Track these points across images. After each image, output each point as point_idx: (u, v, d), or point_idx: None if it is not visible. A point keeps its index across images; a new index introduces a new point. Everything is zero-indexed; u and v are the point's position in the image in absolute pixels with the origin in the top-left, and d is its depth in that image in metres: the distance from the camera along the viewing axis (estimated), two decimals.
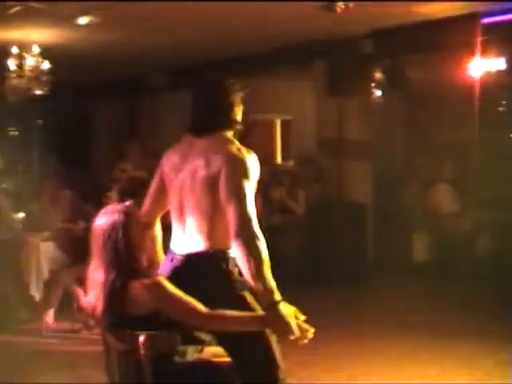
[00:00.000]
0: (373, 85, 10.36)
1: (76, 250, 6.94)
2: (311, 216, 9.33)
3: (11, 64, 8.35)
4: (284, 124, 14.20)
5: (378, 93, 10.95)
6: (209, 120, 3.41)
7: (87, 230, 6.93)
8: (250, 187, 3.19)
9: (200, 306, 3.05)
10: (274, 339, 3.29)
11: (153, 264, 3.46)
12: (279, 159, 13.56)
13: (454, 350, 6.05)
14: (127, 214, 3.14)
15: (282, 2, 7.05)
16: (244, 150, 3.33)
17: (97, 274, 3.15)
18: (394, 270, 9.60)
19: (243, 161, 3.23)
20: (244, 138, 10.62)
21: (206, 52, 10.02)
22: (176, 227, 3.41)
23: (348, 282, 8.55)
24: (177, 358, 3.22)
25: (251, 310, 3.27)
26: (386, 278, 9.34)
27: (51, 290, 7.18)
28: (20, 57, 8.35)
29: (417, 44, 8.66)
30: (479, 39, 7.87)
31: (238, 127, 3.49)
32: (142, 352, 3.01)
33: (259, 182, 8.93)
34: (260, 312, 3.21)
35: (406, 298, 8.29)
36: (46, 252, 7.08)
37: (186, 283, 3.10)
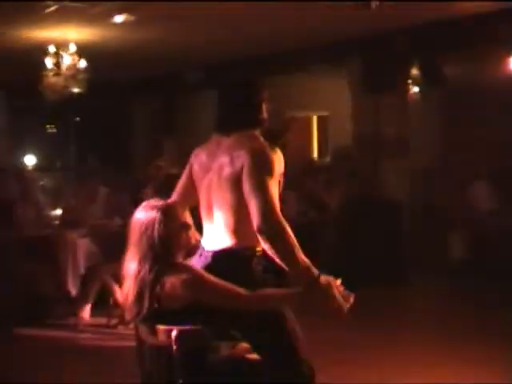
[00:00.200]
0: (409, 81, 10.31)
1: (112, 247, 6.98)
2: (347, 213, 9.28)
3: (48, 63, 8.44)
4: (321, 120, 14.20)
5: (415, 89, 10.90)
6: (235, 119, 3.41)
7: (123, 226, 7.03)
8: (273, 182, 3.17)
9: (239, 289, 3.09)
10: (297, 333, 3.30)
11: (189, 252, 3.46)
12: (316, 155, 13.56)
13: (490, 352, 5.91)
14: (165, 212, 3.17)
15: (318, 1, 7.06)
16: (268, 145, 3.33)
17: (130, 264, 3.18)
18: (431, 269, 9.52)
19: (265, 156, 3.23)
20: (282, 135, 10.63)
21: (243, 49, 10.04)
22: (205, 224, 3.44)
23: (384, 281, 8.47)
24: (210, 354, 3.24)
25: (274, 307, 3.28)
26: (423, 276, 9.25)
27: (88, 286, 7.25)
28: (57, 55, 8.44)
29: (454, 40, 8.59)
30: None
31: (265, 125, 3.48)
32: (174, 347, 3.03)
33: (295, 179, 8.89)
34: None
35: (442, 297, 8.21)
36: (82, 248, 7.14)
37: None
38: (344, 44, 9.38)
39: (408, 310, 7.81)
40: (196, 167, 3.49)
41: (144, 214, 3.18)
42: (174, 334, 3.02)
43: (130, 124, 14.35)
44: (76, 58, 8.50)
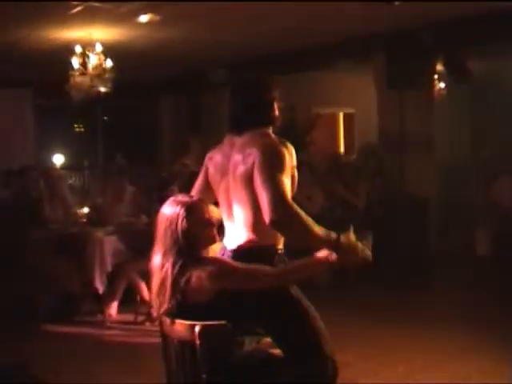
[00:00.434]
0: (435, 77, 10.26)
1: (139, 244, 7.06)
2: (373, 210, 9.28)
3: (75, 62, 8.51)
4: (347, 117, 14.18)
5: (441, 85, 10.85)
6: (247, 118, 3.43)
7: (149, 224, 7.11)
8: (285, 176, 3.18)
9: (265, 268, 3.17)
10: (321, 330, 3.33)
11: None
12: (342, 152, 13.53)
13: None
14: (189, 208, 3.21)
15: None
16: (278, 140, 3.34)
17: (156, 258, 3.24)
18: (457, 265, 9.49)
19: (275, 150, 3.25)
20: (308, 132, 10.65)
21: (268, 47, 10.06)
22: (227, 225, 3.47)
23: (410, 277, 8.47)
24: (234, 349, 3.28)
25: (296, 304, 3.33)
26: (449, 272, 9.23)
27: (115, 283, 7.31)
28: (83, 55, 8.52)
29: (479, 35, 8.54)
30: None
31: (277, 123, 3.50)
32: (198, 342, 3.07)
33: (321, 176, 8.89)
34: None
35: (468, 293, 8.17)
36: (109, 246, 7.19)
37: None
38: (369, 40, 9.35)
39: (434, 305, 7.79)
40: (212, 170, 3.51)
41: (169, 209, 3.23)
42: (197, 329, 3.06)
43: (156, 123, 14.43)
44: (102, 57, 8.56)
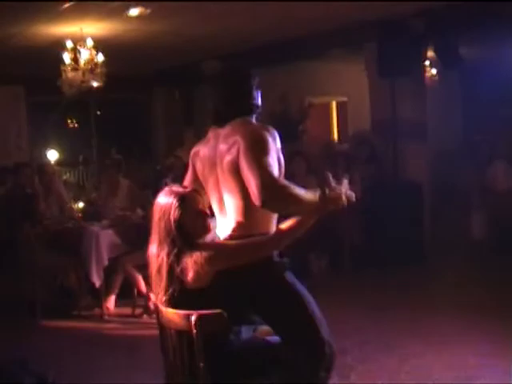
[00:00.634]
0: (426, 64, 10.29)
1: (135, 237, 7.09)
2: (367, 197, 9.31)
3: (66, 58, 8.50)
4: (340, 106, 14.21)
5: (432, 72, 10.88)
6: (228, 109, 3.47)
7: (145, 217, 7.13)
8: (270, 159, 3.21)
9: (260, 238, 3.28)
10: (317, 315, 3.37)
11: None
12: (335, 141, 13.57)
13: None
14: (182, 198, 3.24)
15: None
16: (260, 126, 3.39)
17: (152, 247, 3.28)
18: (452, 249, 9.54)
19: (258, 135, 3.28)
20: (301, 121, 10.66)
21: (259, 37, 10.05)
22: (219, 218, 3.49)
23: (404, 262, 8.51)
24: (230, 338, 3.31)
25: (292, 290, 3.36)
26: (444, 257, 9.27)
27: (111, 277, 7.35)
28: (75, 50, 8.51)
29: (469, 21, 8.56)
30: None
31: (258, 111, 3.53)
32: (194, 331, 3.10)
33: (315, 164, 8.89)
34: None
35: (463, 277, 8.22)
36: (105, 240, 7.19)
37: (229, 269, 3.20)
38: (360, 29, 9.35)
39: (429, 289, 7.82)
40: (199, 166, 3.54)
41: (164, 199, 3.27)
42: (193, 318, 3.10)
43: (149, 116, 14.43)
44: (93, 52, 8.56)
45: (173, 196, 3.25)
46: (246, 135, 3.28)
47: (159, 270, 3.21)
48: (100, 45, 8.60)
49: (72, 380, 5.19)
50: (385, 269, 8.43)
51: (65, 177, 12.56)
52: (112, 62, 8.68)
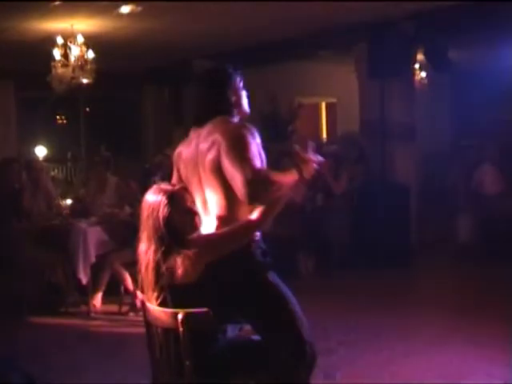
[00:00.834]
0: (416, 67, 10.33)
1: (122, 235, 7.09)
2: (354, 197, 9.35)
3: (57, 54, 8.49)
4: (329, 107, 14.25)
5: (422, 74, 10.93)
6: (208, 108, 3.49)
7: (133, 215, 7.12)
8: (252, 155, 3.23)
9: (243, 221, 3.29)
10: (299, 316, 3.39)
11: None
12: (324, 141, 13.60)
13: (495, 332, 5.97)
14: (170, 196, 3.25)
15: None
16: (239, 124, 3.41)
17: (141, 244, 3.29)
18: (438, 252, 9.58)
19: (238, 133, 3.30)
20: (291, 122, 10.67)
21: (250, 37, 10.06)
22: (204, 219, 3.47)
23: (391, 264, 8.55)
24: (216, 336, 3.32)
25: (274, 290, 3.37)
26: (430, 259, 9.32)
27: (99, 274, 7.34)
28: (65, 46, 8.50)
29: (459, 25, 8.61)
30: None
31: (241, 110, 3.55)
32: (181, 329, 3.11)
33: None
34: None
35: (449, 280, 8.26)
36: (93, 237, 7.19)
37: (214, 268, 3.21)
38: (350, 30, 9.39)
39: (415, 292, 7.87)
40: (182, 167, 3.54)
41: (152, 197, 3.28)
42: (180, 316, 3.11)
43: (139, 114, 14.41)
44: (84, 48, 8.55)
45: (162, 194, 3.25)
46: (226, 134, 3.29)
47: (147, 267, 3.22)
48: (90, 41, 8.59)
49: (58, 377, 5.19)
50: (372, 270, 8.46)
51: (53, 173, 12.50)
52: (102, 58, 8.67)
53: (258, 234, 3.42)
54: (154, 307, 3.22)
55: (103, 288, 7.39)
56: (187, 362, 3.16)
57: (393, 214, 8.98)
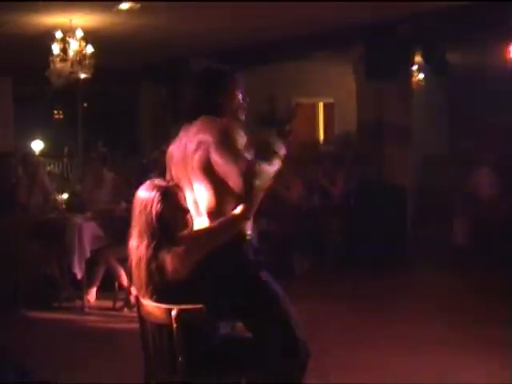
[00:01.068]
0: (413, 69, 10.35)
1: (118, 230, 7.07)
2: (351, 198, 9.36)
3: (55, 48, 8.49)
4: (327, 107, 14.24)
5: (419, 76, 10.94)
6: (197, 107, 3.48)
7: (129, 210, 7.11)
8: (243, 150, 3.24)
9: (224, 220, 3.25)
10: (292, 314, 3.38)
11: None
12: (321, 142, 13.60)
13: (494, 332, 5.99)
14: (163, 192, 3.25)
15: None
16: (224, 121, 3.38)
17: (132, 240, 3.29)
18: (434, 254, 9.59)
19: (227, 131, 3.28)
20: (288, 122, 10.65)
21: (247, 36, 10.07)
22: (196, 220, 3.45)
23: (386, 265, 8.56)
24: (209, 333, 3.32)
25: (266, 289, 3.37)
26: (425, 261, 9.33)
27: (93, 269, 7.35)
28: (64, 41, 8.50)
29: (457, 28, 8.63)
30: None
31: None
32: (174, 325, 3.12)
33: (300, 165, 8.89)
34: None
35: (446, 281, 8.27)
36: (88, 232, 7.19)
37: (206, 266, 3.21)
38: (348, 31, 9.40)
39: (410, 294, 7.85)
40: (174, 170, 3.51)
41: (145, 193, 3.27)
42: (173, 313, 3.12)
43: (137, 110, 14.40)
44: (82, 43, 8.56)
45: (155, 190, 3.25)
46: (213, 132, 3.28)
47: (138, 263, 3.22)
48: (89, 36, 8.60)
49: (51, 371, 5.18)
50: (367, 270, 8.47)
51: (49, 168, 12.50)
52: (100, 54, 8.67)
53: (250, 233, 3.42)
54: (147, 303, 3.23)
55: (98, 283, 7.40)
56: (180, 358, 3.17)
57: (389, 215, 8.98)
